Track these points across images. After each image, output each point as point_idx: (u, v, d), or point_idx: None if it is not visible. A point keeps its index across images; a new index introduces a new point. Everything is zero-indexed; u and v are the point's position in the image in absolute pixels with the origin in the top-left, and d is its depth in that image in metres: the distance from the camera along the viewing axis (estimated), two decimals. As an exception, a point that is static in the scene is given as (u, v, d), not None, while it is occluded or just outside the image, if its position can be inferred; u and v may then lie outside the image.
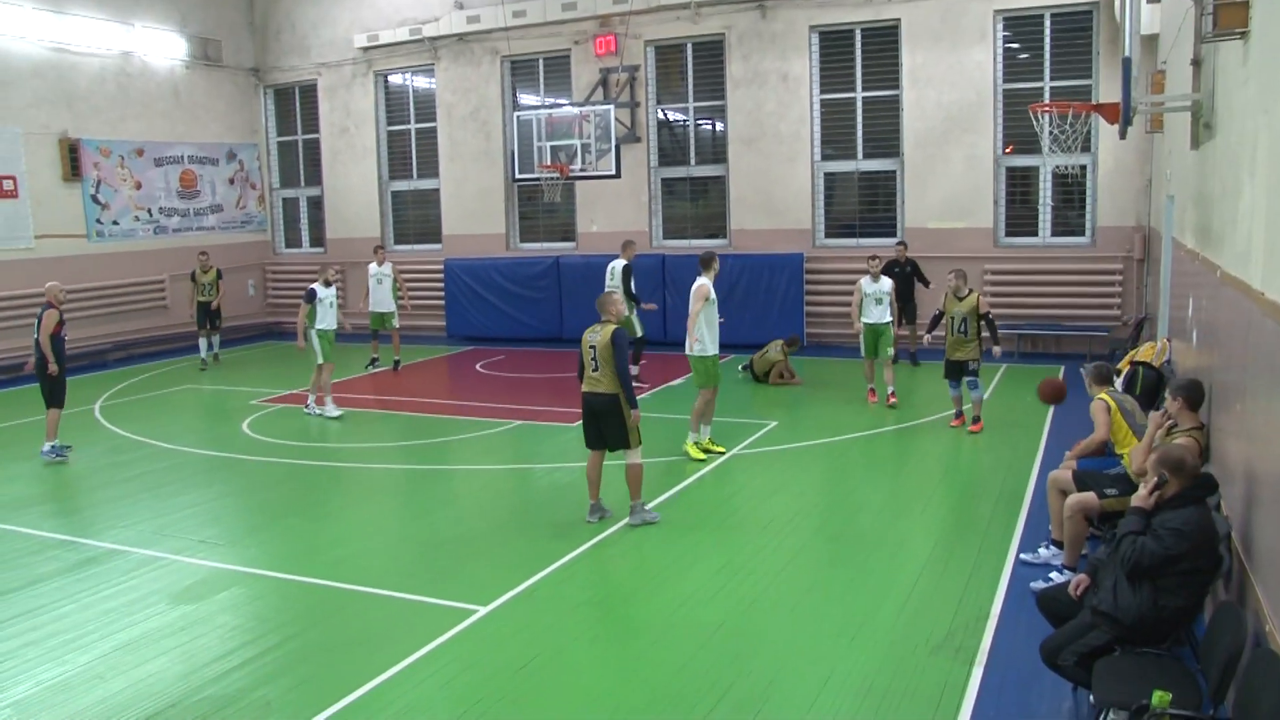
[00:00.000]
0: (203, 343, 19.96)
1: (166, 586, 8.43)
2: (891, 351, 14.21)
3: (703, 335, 11.68)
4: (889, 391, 14.11)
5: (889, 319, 14.08)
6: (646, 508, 9.65)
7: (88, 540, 9.63)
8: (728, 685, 6.39)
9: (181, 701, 6.44)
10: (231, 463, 12.39)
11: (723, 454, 11.80)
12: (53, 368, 12.64)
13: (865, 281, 14.15)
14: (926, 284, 17.19)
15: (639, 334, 15.83)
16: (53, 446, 12.75)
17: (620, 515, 9.65)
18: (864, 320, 14.12)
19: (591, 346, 9.40)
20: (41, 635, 7.55)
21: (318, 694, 6.46)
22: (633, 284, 16.24)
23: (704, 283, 11.82)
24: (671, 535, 9.32)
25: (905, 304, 16.62)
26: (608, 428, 9.47)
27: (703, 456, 11.70)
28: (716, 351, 11.88)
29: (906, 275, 16.88)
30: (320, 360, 14.86)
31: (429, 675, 6.68)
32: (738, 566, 8.47)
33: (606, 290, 16.01)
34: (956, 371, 12.58)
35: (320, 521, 10.21)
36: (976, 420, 12.60)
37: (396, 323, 18.56)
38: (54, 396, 12.82)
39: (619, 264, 16.42)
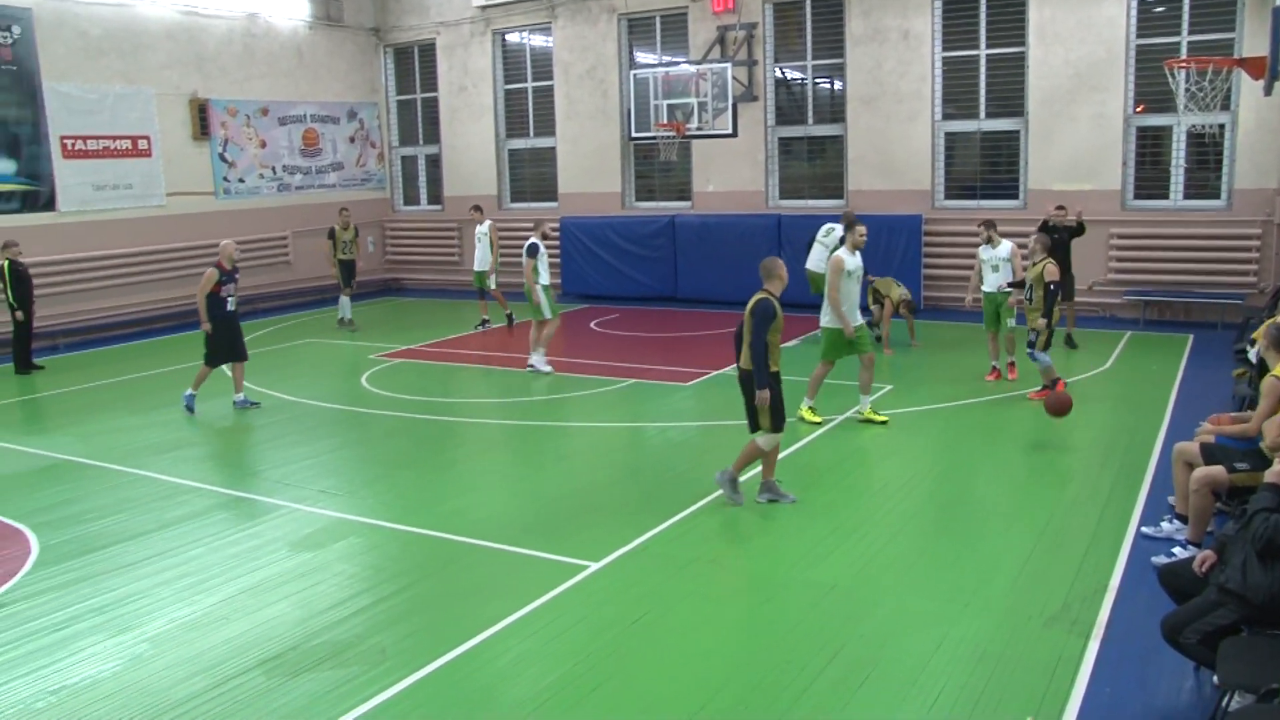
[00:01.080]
0: (345, 301, 19.49)
1: (287, 534, 8.69)
2: (1012, 322, 13.04)
3: (835, 311, 11.21)
4: (1008, 363, 13.32)
5: (1008, 287, 12.97)
6: (779, 487, 9.05)
7: (214, 487, 9.98)
8: (839, 646, 6.36)
9: (300, 645, 6.65)
10: (350, 416, 12.69)
11: (884, 422, 11.35)
12: (205, 326, 12.82)
13: (982, 248, 13.31)
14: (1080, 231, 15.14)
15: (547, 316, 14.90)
16: (244, 398, 13.19)
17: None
18: (983, 289, 13.26)
19: (744, 319, 8.77)
20: (172, 576, 7.86)
21: (431, 642, 6.61)
22: None
23: (839, 255, 11.37)
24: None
25: (1062, 276, 13.54)
26: (748, 404, 8.86)
27: (818, 419, 11.46)
28: (859, 322, 11.31)
29: (1065, 242, 14.75)
30: (548, 315, 14.71)
31: (540, 628, 6.78)
32: (850, 529, 8.40)
33: (813, 253, 15.84)
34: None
35: (436, 474, 10.41)
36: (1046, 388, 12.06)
37: (493, 282, 18.55)
38: (209, 355, 13.01)
39: (837, 228, 15.23)
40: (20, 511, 9.39)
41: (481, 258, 18.47)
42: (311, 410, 13.01)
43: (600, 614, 6.97)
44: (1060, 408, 10.72)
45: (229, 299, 12.92)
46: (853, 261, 11.36)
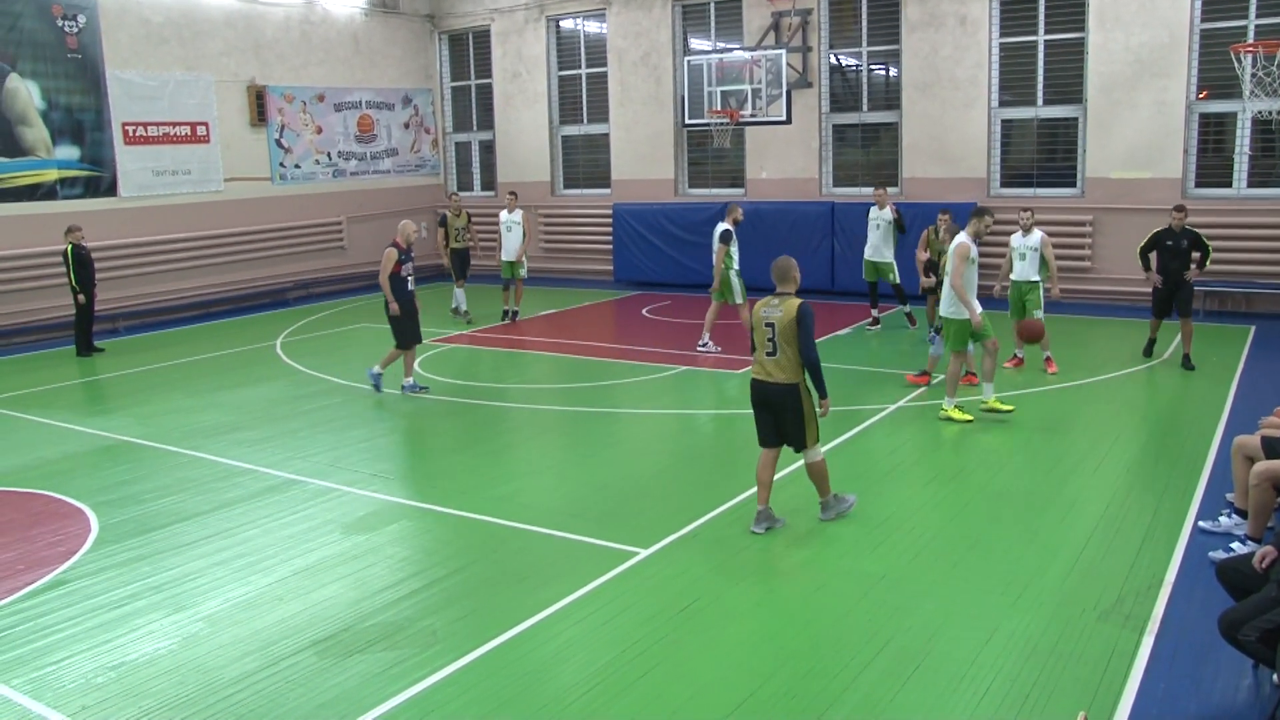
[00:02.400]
0: (460, 293, 18.38)
1: (340, 516, 8.80)
2: (1039, 313, 12.72)
3: (956, 300, 10.94)
4: (1045, 357, 13.10)
5: (1036, 277, 12.84)
6: (839, 495, 8.46)
7: (269, 469, 10.11)
8: (888, 636, 6.33)
9: (353, 626, 6.73)
10: (403, 400, 12.79)
11: (1010, 411, 11.06)
12: (393, 307, 12.81)
13: (1015, 236, 13.06)
14: (1204, 258, 13.06)
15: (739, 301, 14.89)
16: (412, 383, 13.11)
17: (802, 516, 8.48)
18: (1011, 277, 13.07)
19: (769, 325, 7.90)
20: (229, 556, 7.99)
21: (482, 626, 6.66)
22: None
23: (964, 240, 10.94)
24: (835, 486, 9.23)
25: (1175, 289, 13.10)
26: (786, 424, 8.04)
27: (969, 418, 10.96)
28: (979, 310, 10.97)
29: (1182, 251, 12.92)
30: (739, 300, 14.64)
31: (590, 613, 6.81)
32: (901, 519, 8.35)
33: (871, 242, 16.00)
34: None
35: (487, 459, 10.47)
36: (925, 374, 12.57)
37: (524, 272, 18.08)
38: (398, 336, 13.02)
39: (884, 215, 16.02)
40: (81, 491, 9.58)
41: (511, 247, 17.88)
42: (364, 394, 13.13)
43: (650, 600, 6.99)
44: (1031, 334, 11.49)
45: (409, 279, 12.97)
46: (975, 250, 11.06)
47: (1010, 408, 11.11)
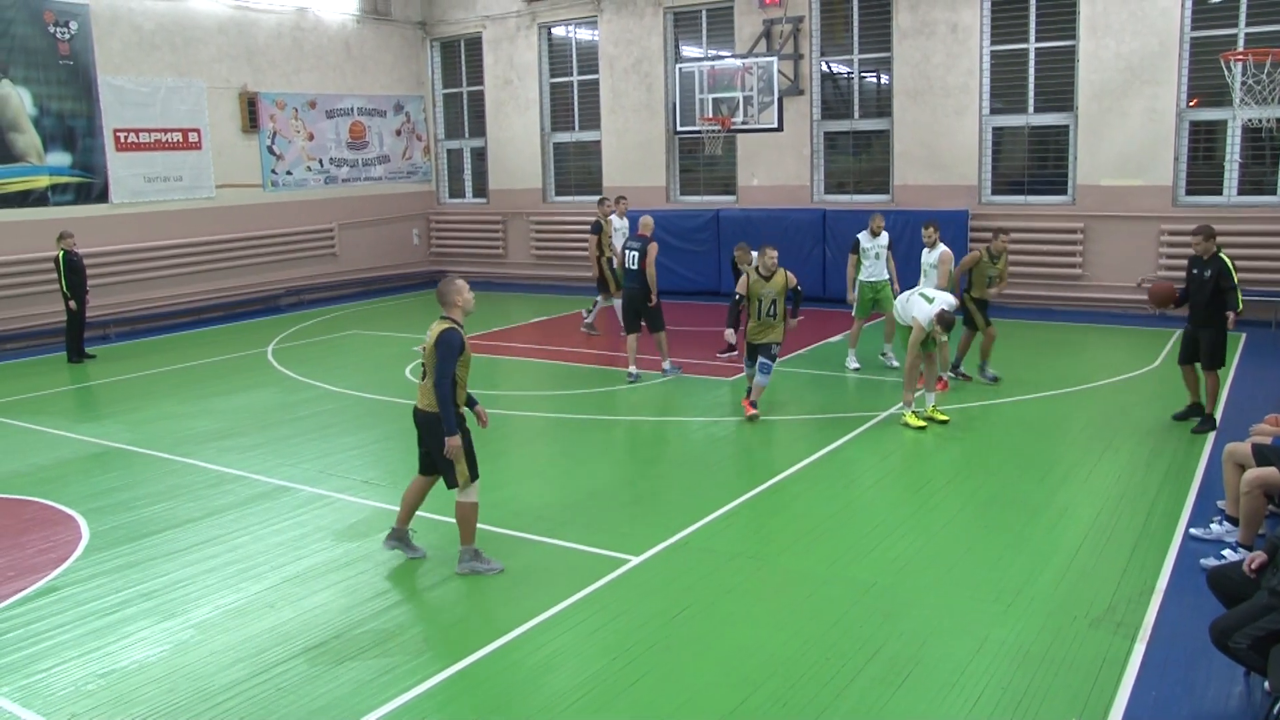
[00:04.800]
0: (617, 304, 15.93)
1: (331, 523, 8.78)
2: (944, 337, 11.77)
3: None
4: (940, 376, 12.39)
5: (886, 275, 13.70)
6: (483, 555, 7.71)
7: (260, 476, 10.09)
8: (879, 644, 6.33)
9: (345, 633, 6.72)
10: (393, 407, 12.78)
11: (922, 428, 11.05)
12: (654, 299, 13.72)
13: (864, 235, 13.80)
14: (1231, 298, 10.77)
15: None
16: (671, 364, 13.98)
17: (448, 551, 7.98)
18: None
19: (422, 348, 7.58)
20: (219, 563, 7.97)
21: (472, 633, 6.66)
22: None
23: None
24: (825, 493, 9.25)
25: (1203, 323, 10.83)
26: (435, 452, 7.59)
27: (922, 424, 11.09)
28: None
29: (1205, 283, 10.75)
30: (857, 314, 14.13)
31: (580, 621, 6.80)
32: (891, 526, 8.36)
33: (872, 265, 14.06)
34: (756, 354, 11.47)
35: (478, 466, 10.42)
36: (754, 404, 11.57)
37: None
38: (657, 321, 13.90)
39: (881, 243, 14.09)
40: (72, 497, 9.55)
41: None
42: (356, 401, 13.12)
43: (641, 608, 6.99)
44: (1165, 298, 10.88)
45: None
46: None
47: (922, 424, 11.09)
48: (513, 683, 6.08)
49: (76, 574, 7.82)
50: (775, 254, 11.54)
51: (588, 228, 17.27)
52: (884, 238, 13.87)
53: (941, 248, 12.93)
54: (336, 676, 6.15)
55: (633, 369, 13.74)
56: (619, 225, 17.00)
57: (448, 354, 7.27)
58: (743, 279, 11.54)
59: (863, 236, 13.96)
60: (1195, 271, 10.84)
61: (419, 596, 7.28)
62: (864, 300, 13.94)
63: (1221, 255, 10.63)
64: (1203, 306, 10.74)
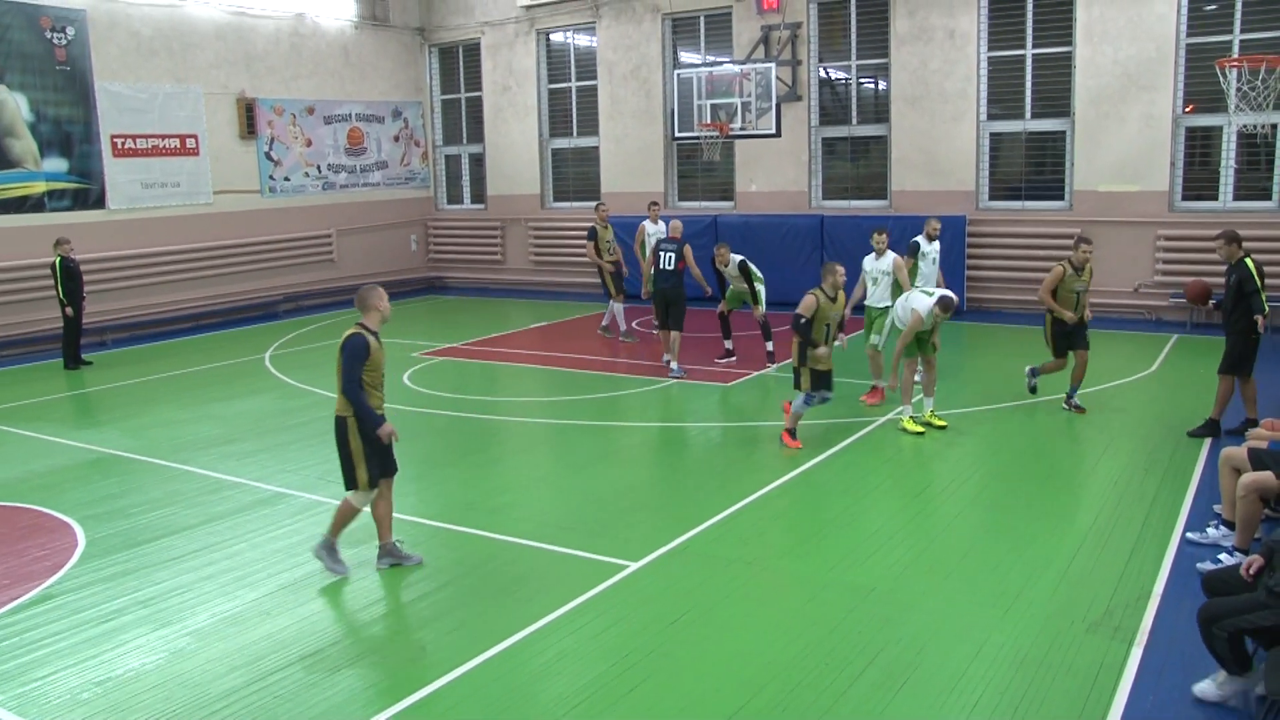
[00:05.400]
0: (618, 309, 17.13)
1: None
2: (877, 339, 12.39)
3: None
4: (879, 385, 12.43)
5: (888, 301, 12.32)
6: (338, 554, 7.85)
7: (258, 483, 10.07)
8: (878, 649, 6.33)
9: (341, 641, 6.71)
10: (392, 413, 12.62)
11: (920, 433, 11.01)
12: (708, 289, 14.57)
13: (868, 258, 12.63)
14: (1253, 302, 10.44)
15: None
16: (678, 366, 14.23)
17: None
18: (865, 302, 12.62)
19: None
20: (217, 570, 7.96)
21: (471, 640, 6.64)
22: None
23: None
24: (824, 498, 9.26)
25: (1228, 329, 10.67)
26: (339, 455, 7.81)
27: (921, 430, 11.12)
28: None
29: (1229, 287, 10.62)
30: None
31: (580, 626, 6.79)
32: (890, 532, 8.36)
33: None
34: (827, 383, 10.80)
35: (477, 473, 10.45)
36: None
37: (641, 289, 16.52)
38: (680, 320, 14.27)
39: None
40: (68, 505, 9.54)
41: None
42: (354, 407, 13.07)
43: (640, 614, 6.98)
44: (1201, 294, 10.82)
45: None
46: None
47: (920, 429, 11.11)
48: (512, 689, 6.06)
49: (72, 581, 7.81)
50: (843, 271, 10.82)
51: (585, 234, 17.38)
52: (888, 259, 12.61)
53: (892, 255, 12.45)
54: (334, 684, 6.14)
55: (673, 364, 14.24)
56: (653, 230, 17.18)
57: (351, 358, 7.52)
58: (809, 300, 10.55)
59: (921, 240, 13.18)
60: (1226, 278, 10.78)
61: (416, 603, 7.26)
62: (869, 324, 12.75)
63: (1246, 261, 10.50)
64: (1228, 312, 10.67)
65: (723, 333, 15.10)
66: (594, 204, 19.04)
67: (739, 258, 14.44)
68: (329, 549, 7.83)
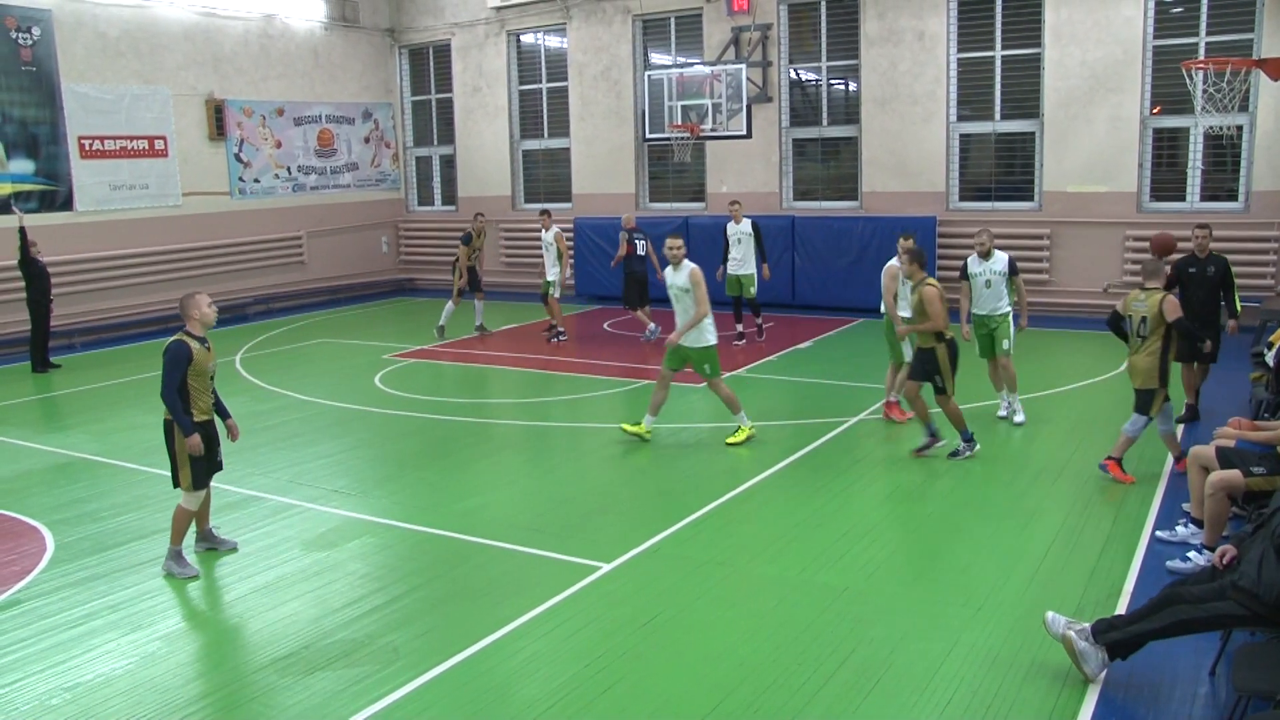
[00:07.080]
0: (480, 305, 18.48)
1: (300, 533, 8.72)
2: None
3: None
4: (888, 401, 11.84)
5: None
6: (184, 558, 7.94)
7: (228, 486, 9.98)
8: (850, 650, 6.35)
9: (315, 644, 6.67)
10: (363, 415, 12.72)
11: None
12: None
13: (972, 260, 11.46)
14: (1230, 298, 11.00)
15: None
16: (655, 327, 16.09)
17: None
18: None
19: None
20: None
21: (443, 642, 6.62)
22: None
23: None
24: (796, 499, 9.28)
25: (1205, 323, 10.59)
26: (169, 453, 7.98)
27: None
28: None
29: (1209, 280, 10.87)
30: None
31: (552, 628, 6.79)
32: (862, 532, 8.39)
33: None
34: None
35: (448, 475, 10.42)
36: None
37: (556, 291, 17.39)
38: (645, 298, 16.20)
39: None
40: (36, 509, 9.44)
41: (550, 266, 17.44)
42: (324, 410, 13.04)
43: (612, 615, 6.98)
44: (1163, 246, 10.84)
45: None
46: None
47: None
48: (484, 691, 6.05)
49: (41, 586, 7.73)
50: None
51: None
52: (999, 260, 11.43)
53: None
54: (307, 686, 6.11)
55: (650, 324, 16.66)
56: (733, 231, 16.80)
57: (171, 365, 7.83)
58: (934, 290, 9.94)
59: (971, 260, 11.57)
60: (1194, 270, 10.97)
61: (389, 606, 7.23)
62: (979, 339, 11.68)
63: (1218, 254, 10.85)
64: (1206, 303, 10.76)
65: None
66: (563, 205, 19.05)
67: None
68: (173, 557, 7.89)
